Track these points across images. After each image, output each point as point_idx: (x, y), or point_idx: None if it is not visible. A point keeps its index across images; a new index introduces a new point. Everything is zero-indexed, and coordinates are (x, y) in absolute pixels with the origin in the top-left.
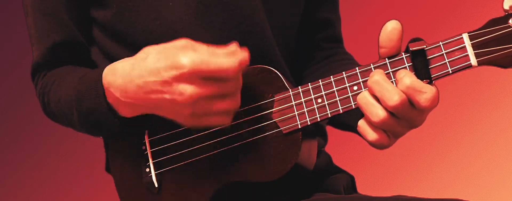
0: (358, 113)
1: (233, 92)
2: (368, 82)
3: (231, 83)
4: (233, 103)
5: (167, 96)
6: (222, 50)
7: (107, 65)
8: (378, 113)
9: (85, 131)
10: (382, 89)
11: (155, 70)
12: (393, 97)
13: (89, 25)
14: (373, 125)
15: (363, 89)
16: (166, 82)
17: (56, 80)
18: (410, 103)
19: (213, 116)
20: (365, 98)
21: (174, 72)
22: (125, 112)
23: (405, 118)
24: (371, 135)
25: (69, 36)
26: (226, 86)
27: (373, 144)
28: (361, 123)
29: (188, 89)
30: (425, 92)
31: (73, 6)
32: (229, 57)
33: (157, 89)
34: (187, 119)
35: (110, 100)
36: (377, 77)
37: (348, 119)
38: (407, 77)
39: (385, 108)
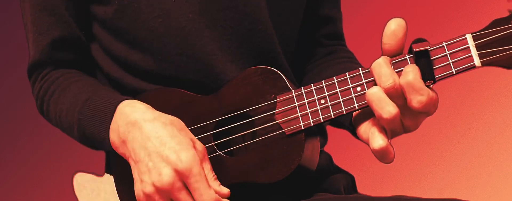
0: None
1: None
2: (372, 65)
3: None
4: None
5: (150, 164)
6: (217, 184)
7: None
8: (390, 110)
9: (84, 145)
10: (381, 71)
11: (162, 141)
12: (389, 79)
13: (88, 21)
14: (378, 126)
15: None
16: (159, 156)
17: (57, 90)
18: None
19: None
20: (377, 94)
21: (172, 157)
22: (111, 139)
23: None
24: (377, 141)
25: (69, 33)
26: None
27: (378, 151)
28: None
29: (167, 177)
30: (421, 94)
31: (72, 2)
32: (214, 194)
33: (149, 152)
34: (141, 192)
35: (111, 126)
36: (381, 60)
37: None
38: (411, 74)
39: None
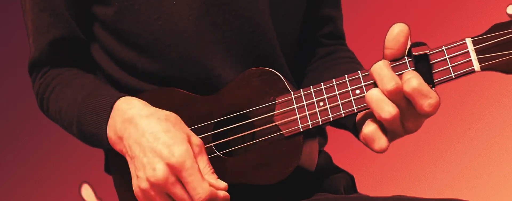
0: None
1: None
2: (371, 68)
3: None
4: None
5: (144, 159)
6: (214, 178)
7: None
8: (390, 109)
9: (83, 142)
10: (382, 74)
11: (156, 137)
12: (391, 82)
13: (89, 21)
14: (379, 127)
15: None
16: (153, 151)
17: (56, 87)
18: (411, 104)
19: None
20: (376, 95)
21: (164, 152)
22: (109, 135)
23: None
24: (378, 143)
25: (69, 32)
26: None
27: (377, 151)
28: (368, 131)
29: (160, 172)
30: (430, 97)
31: (73, 1)
32: (208, 187)
33: (143, 148)
34: (138, 188)
35: (108, 123)
36: (381, 63)
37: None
38: (414, 79)
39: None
